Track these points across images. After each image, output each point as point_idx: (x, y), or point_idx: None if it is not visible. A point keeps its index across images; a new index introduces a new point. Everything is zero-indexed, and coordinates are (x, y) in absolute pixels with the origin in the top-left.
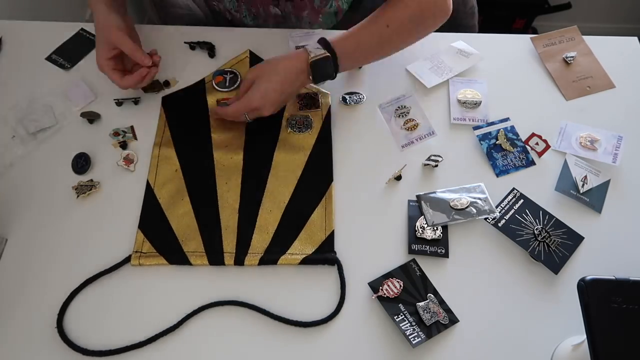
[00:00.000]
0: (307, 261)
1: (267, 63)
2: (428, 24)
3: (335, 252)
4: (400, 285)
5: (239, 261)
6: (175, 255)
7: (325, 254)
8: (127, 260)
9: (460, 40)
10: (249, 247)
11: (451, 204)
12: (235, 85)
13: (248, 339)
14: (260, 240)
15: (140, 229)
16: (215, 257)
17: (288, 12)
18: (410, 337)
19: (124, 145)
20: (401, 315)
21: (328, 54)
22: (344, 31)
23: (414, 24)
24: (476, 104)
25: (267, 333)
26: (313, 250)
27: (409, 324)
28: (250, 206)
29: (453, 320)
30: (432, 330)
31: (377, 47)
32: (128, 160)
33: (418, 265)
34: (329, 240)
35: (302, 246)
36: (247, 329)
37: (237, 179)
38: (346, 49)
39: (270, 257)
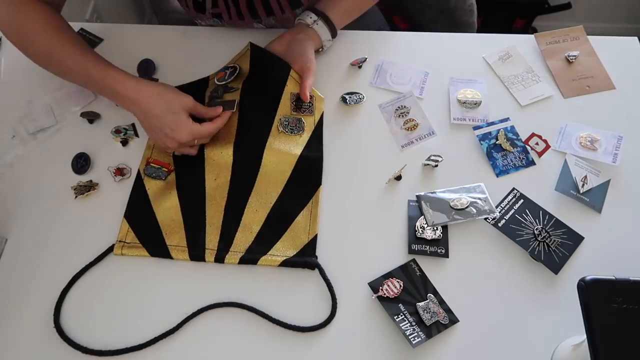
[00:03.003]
0: (287, 263)
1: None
2: None
3: (316, 257)
4: (400, 285)
5: (220, 258)
6: (156, 247)
7: (305, 258)
8: (110, 250)
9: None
10: (231, 245)
11: (451, 204)
12: (234, 77)
13: (247, 342)
14: (243, 239)
15: (125, 218)
16: (196, 253)
17: (271, 25)
18: (410, 337)
19: (124, 142)
20: (401, 315)
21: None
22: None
23: None
24: (476, 104)
25: (266, 336)
26: (294, 252)
27: (409, 324)
28: (236, 204)
29: (453, 320)
30: (432, 330)
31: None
32: (119, 171)
33: (418, 265)
34: (311, 244)
35: (284, 248)
36: (246, 332)
37: (226, 176)
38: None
39: (251, 257)
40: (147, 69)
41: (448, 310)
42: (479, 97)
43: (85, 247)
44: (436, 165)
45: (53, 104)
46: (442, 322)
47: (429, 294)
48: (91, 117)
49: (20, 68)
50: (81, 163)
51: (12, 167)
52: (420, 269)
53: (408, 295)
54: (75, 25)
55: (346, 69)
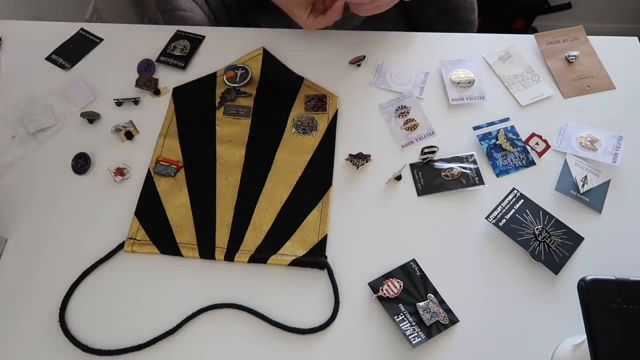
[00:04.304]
0: (296, 263)
1: None
2: None
3: (326, 257)
4: (400, 286)
5: (229, 257)
6: (167, 245)
7: (315, 258)
8: (121, 246)
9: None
10: (240, 243)
11: (442, 174)
12: (245, 81)
13: (247, 343)
14: (253, 237)
15: (136, 215)
16: (206, 251)
17: None
18: (410, 337)
19: (129, 135)
20: (401, 315)
21: None
22: None
23: None
24: (470, 83)
25: (266, 337)
26: (304, 252)
27: (409, 324)
28: (246, 203)
29: (453, 320)
30: (432, 330)
31: None
32: (119, 171)
33: (418, 265)
34: (321, 244)
35: (294, 247)
36: (246, 333)
37: (236, 175)
38: None
39: (260, 256)
40: (147, 69)
41: (448, 310)
42: (472, 75)
43: (85, 247)
44: (433, 157)
45: (53, 104)
46: (442, 322)
47: (429, 294)
48: (91, 117)
49: (20, 68)
50: (81, 163)
51: (12, 167)
52: (420, 269)
53: (408, 295)
54: (75, 25)
55: (345, 69)
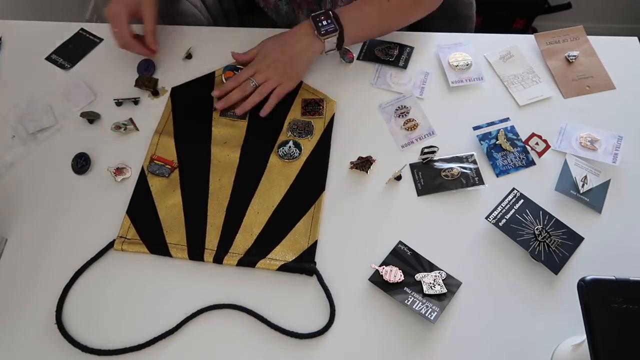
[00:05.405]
0: (285, 268)
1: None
2: (425, 5)
3: (315, 263)
4: (401, 274)
5: (218, 259)
6: (156, 245)
7: (304, 264)
8: (111, 245)
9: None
10: (230, 246)
11: (442, 174)
12: None
13: (246, 345)
14: (243, 240)
15: (128, 214)
16: (195, 253)
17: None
18: (426, 314)
19: (124, 132)
20: (410, 298)
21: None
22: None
23: (413, 2)
24: (468, 65)
25: (265, 340)
26: (293, 257)
27: (420, 303)
28: (238, 206)
29: (456, 284)
30: (441, 299)
31: (377, 21)
32: (119, 170)
33: (406, 246)
34: (311, 250)
35: (283, 252)
36: (245, 335)
37: (230, 176)
38: (350, 18)
39: (249, 260)
40: (146, 69)
41: (448, 276)
42: (469, 58)
43: (86, 247)
44: (433, 156)
45: (53, 104)
46: (449, 288)
47: (425, 269)
48: (91, 117)
49: (20, 68)
50: (81, 163)
51: (12, 167)
52: (409, 249)
53: (408, 276)
54: (75, 25)
55: (345, 68)
